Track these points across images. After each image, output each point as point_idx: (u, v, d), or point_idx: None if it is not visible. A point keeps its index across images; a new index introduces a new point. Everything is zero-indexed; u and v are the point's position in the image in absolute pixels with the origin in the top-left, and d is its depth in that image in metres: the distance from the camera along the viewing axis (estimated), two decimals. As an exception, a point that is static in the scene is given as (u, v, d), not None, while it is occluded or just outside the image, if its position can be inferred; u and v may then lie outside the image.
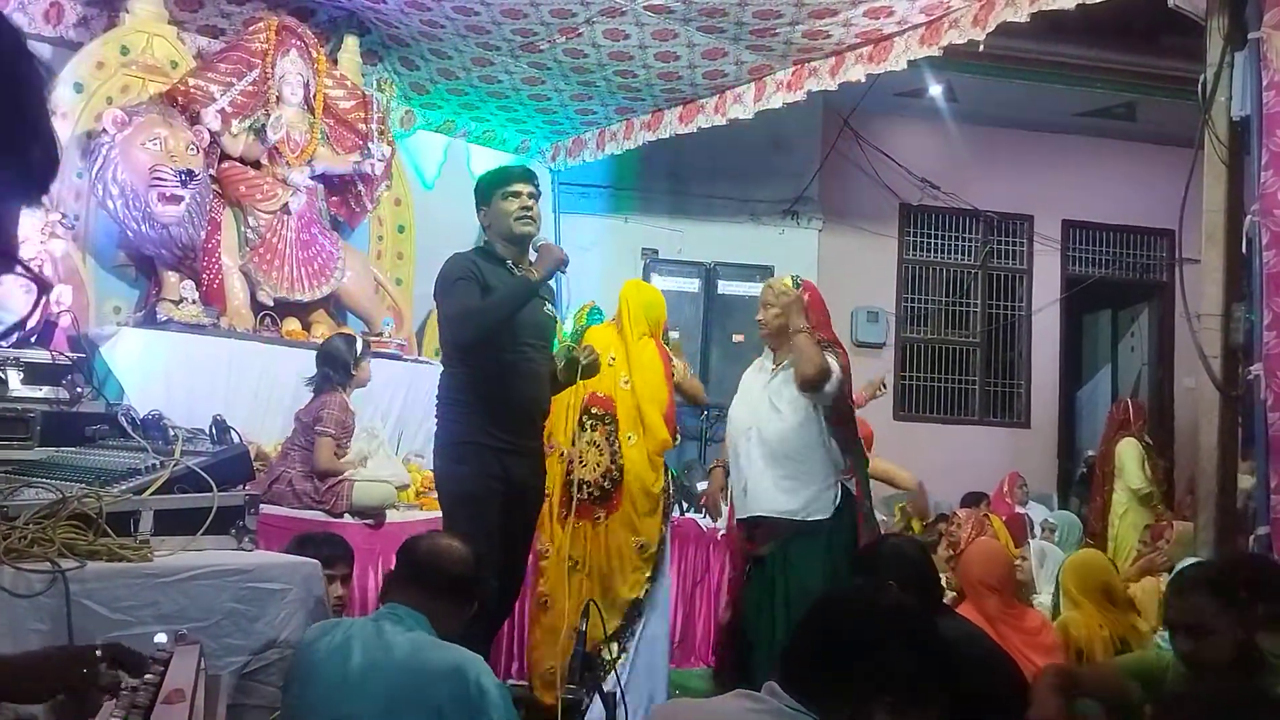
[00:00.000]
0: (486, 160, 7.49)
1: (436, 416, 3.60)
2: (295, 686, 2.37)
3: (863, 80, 5.86)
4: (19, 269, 0.71)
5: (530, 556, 3.90)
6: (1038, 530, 6.75)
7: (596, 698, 3.01)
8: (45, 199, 4.74)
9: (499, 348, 3.46)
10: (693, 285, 8.33)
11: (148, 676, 1.60)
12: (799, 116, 7.39)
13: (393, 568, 2.71)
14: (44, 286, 0.78)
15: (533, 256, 3.60)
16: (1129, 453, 7.14)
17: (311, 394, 4.49)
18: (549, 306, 3.68)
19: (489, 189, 3.64)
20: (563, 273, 3.64)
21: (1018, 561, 5.11)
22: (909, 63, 5.57)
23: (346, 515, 4.31)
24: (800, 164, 8.75)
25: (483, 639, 3.39)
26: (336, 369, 4.48)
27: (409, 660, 2.32)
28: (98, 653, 1.57)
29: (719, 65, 6.16)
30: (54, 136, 0.78)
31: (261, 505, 2.88)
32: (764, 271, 8.69)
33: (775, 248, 8.68)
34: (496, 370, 3.44)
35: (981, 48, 5.18)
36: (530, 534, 3.71)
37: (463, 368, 3.53)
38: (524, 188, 3.62)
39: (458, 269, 3.54)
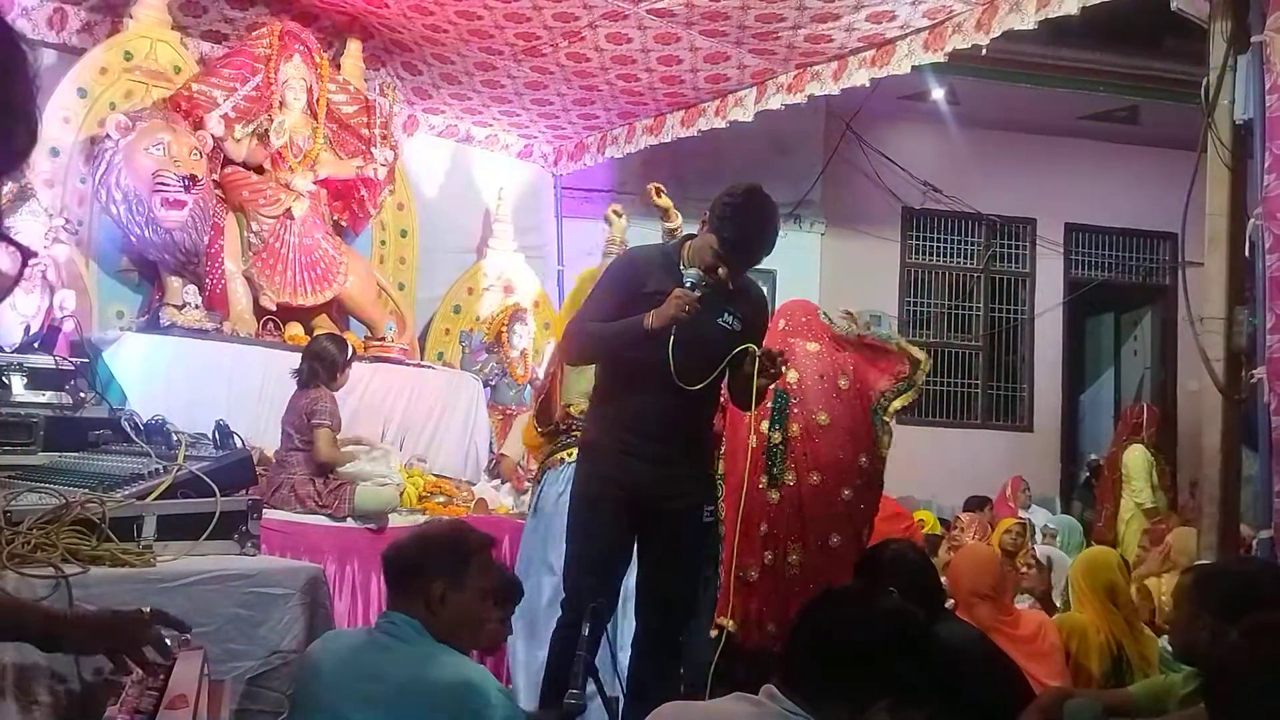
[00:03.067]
0: (489, 164, 7.51)
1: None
2: (299, 701, 2.34)
3: (866, 84, 5.86)
4: None
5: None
6: (1038, 535, 6.75)
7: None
8: (40, 201, 4.78)
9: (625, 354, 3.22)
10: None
11: (151, 681, 1.61)
12: (801, 120, 7.40)
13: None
14: (26, 255, 0.79)
15: (692, 275, 3.15)
16: (1137, 461, 7.13)
17: (296, 388, 4.49)
18: (727, 317, 3.24)
19: (718, 221, 3.15)
20: (670, 335, 3.08)
21: (1024, 568, 5.09)
22: (912, 67, 5.58)
23: (349, 520, 4.31)
24: (802, 168, 8.76)
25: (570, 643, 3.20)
26: (325, 366, 4.49)
27: (413, 675, 2.24)
28: (146, 614, 1.73)
29: (721, 69, 6.16)
30: (35, 112, 0.78)
31: (264, 510, 2.88)
32: (766, 276, 8.68)
33: (778, 252, 8.56)
34: (624, 374, 3.24)
35: (984, 51, 5.18)
36: (692, 563, 3.34)
37: (599, 368, 3.40)
38: (734, 266, 3.19)
39: (614, 271, 3.36)
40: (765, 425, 3.94)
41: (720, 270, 3.16)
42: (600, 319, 3.23)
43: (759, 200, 3.17)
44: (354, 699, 2.24)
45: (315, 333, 5.62)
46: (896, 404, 4.02)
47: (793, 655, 1.94)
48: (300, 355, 4.63)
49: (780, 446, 3.91)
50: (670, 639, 3.33)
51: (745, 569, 3.83)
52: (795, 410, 3.92)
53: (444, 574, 2.36)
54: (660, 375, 3.08)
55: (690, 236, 3.38)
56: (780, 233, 3.34)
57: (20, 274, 0.80)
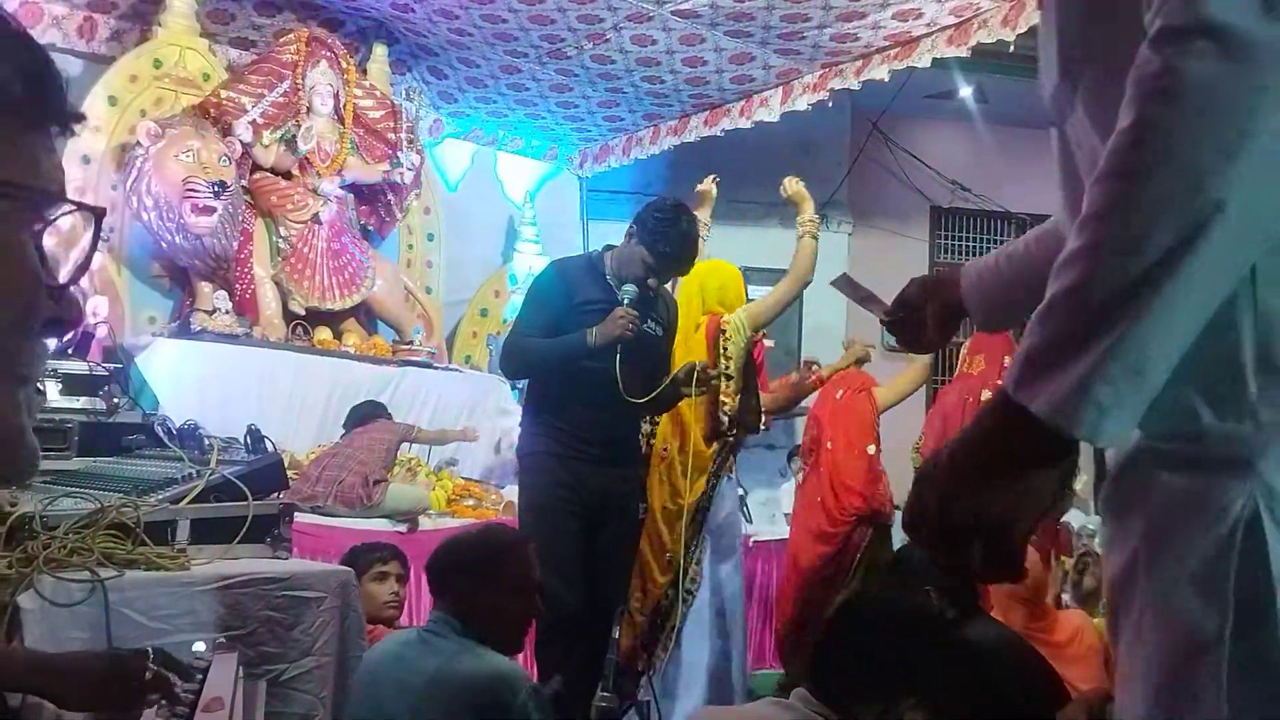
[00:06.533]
0: (514, 168, 7.53)
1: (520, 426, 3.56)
2: (352, 700, 2.38)
3: (886, 79, 5.82)
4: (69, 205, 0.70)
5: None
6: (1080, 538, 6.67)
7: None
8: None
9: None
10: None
11: (188, 684, 1.61)
12: (827, 120, 7.36)
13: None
14: (98, 214, 0.76)
15: (629, 292, 3.32)
16: None
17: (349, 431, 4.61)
18: (650, 324, 3.43)
19: (650, 235, 3.33)
20: (616, 351, 3.25)
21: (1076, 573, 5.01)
22: (935, 62, 5.54)
23: (379, 520, 4.32)
24: (829, 168, 8.71)
25: (560, 652, 3.31)
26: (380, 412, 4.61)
27: (444, 668, 2.30)
28: (149, 658, 1.57)
29: (746, 70, 6.15)
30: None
31: (297, 514, 2.89)
32: (793, 276, 8.62)
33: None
34: (568, 384, 3.35)
35: (1011, 48, 5.14)
36: (626, 551, 3.53)
37: (537, 379, 3.51)
38: (662, 277, 3.43)
39: (542, 285, 3.47)
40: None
41: (650, 281, 3.37)
42: (535, 333, 3.37)
43: (687, 215, 3.40)
44: (390, 691, 2.31)
45: (344, 337, 5.66)
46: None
47: (822, 659, 1.93)
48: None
49: None
50: (605, 628, 3.38)
51: None
52: None
53: (473, 574, 2.47)
54: (603, 384, 3.25)
55: (610, 247, 3.53)
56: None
57: (96, 236, 0.77)
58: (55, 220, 0.71)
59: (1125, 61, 0.82)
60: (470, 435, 5.10)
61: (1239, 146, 0.75)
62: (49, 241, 0.71)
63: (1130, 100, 0.79)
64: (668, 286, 3.71)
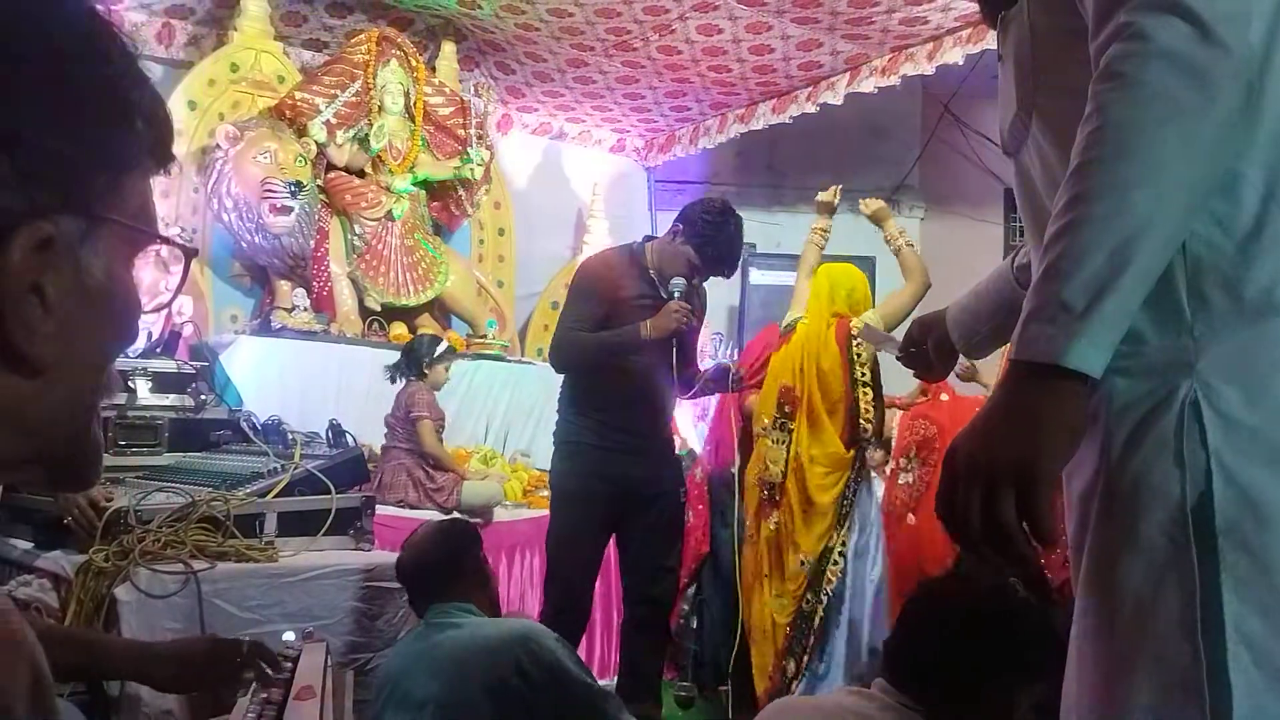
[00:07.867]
0: (582, 160, 7.56)
1: (557, 413, 3.59)
2: (378, 690, 2.41)
3: (960, 63, 5.73)
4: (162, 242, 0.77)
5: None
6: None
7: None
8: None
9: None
10: (792, 279, 8.23)
11: (279, 673, 1.66)
12: (898, 103, 7.27)
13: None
14: (188, 253, 0.85)
15: (679, 285, 3.35)
16: None
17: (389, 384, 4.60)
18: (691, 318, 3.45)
19: (698, 237, 3.35)
20: (673, 345, 3.34)
21: None
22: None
23: (455, 513, 4.38)
24: (900, 152, 8.61)
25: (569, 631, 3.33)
26: (409, 364, 4.56)
27: (471, 637, 2.33)
28: (244, 647, 1.62)
29: (814, 56, 6.09)
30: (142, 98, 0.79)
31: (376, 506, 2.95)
32: (865, 263, 8.55)
33: (876, 238, 8.49)
34: (613, 376, 3.38)
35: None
36: (673, 537, 3.54)
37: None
38: (705, 278, 3.47)
39: (585, 280, 3.49)
40: None
41: (695, 280, 3.41)
42: (583, 327, 3.40)
43: (735, 218, 3.43)
44: (415, 678, 2.32)
45: (419, 332, 5.74)
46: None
47: (899, 647, 1.91)
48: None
49: None
50: (662, 619, 3.52)
51: None
52: None
53: (473, 564, 2.55)
54: (644, 375, 3.34)
55: (651, 238, 3.58)
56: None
57: (186, 271, 0.86)
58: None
59: (1077, 88, 1.02)
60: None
61: (1190, 139, 0.96)
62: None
63: (1097, 106, 0.99)
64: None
